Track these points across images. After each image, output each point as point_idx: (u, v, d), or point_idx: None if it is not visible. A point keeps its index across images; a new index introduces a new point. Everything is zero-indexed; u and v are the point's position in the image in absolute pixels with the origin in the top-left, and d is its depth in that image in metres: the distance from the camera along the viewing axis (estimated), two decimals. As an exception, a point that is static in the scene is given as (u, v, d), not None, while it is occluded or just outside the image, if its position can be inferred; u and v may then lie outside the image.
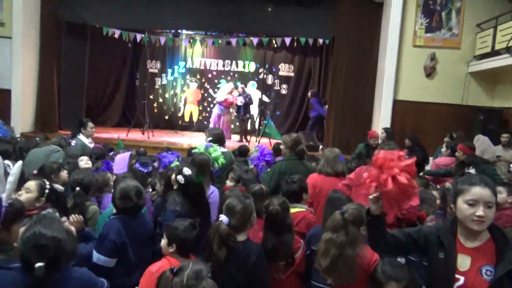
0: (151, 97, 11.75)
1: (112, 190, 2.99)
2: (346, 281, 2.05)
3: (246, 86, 10.90)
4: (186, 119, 11.75)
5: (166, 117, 11.97)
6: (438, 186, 4.28)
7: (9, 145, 4.42)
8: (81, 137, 5.02)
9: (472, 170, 3.97)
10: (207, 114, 11.60)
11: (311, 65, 11.41)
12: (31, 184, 2.59)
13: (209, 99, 11.76)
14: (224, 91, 9.97)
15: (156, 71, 11.96)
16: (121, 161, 3.91)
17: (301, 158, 3.49)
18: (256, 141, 9.00)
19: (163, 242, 2.18)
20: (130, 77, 11.89)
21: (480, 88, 8.00)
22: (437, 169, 5.09)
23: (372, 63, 8.45)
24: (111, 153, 5.22)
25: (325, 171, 3.43)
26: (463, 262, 1.67)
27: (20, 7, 8.39)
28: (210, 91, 11.75)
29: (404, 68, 8.01)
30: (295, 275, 2.51)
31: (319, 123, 10.26)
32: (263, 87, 11.27)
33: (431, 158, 6.55)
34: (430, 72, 7.98)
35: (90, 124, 5.27)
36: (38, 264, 1.54)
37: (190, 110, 11.62)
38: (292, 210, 2.81)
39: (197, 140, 8.30)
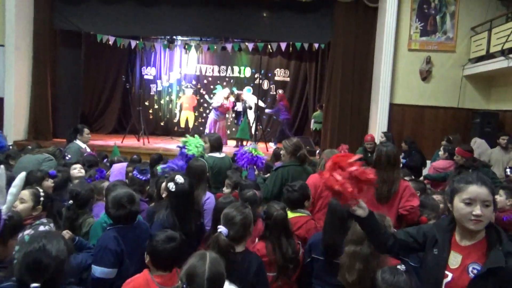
0: (147, 103, 11.69)
1: (104, 199, 2.91)
2: None
3: (242, 91, 10.87)
4: (182, 125, 11.68)
5: (162, 123, 11.91)
6: (438, 190, 4.22)
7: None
8: (78, 142, 4.96)
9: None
10: (203, 120, 11.55)
11: (306, 70, 11.40)
12: (25, 194, 2.51)
13: (205, 105, 11.71)
14: (220, 96, 9.93)
15: (151, 77, 11.91)
16: (118, 173, 3.82)
17: (302, 164, 3.42)
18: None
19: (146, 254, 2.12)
20: (125, 83, 11.82)
21: (476, 91, 8.01)
22: (437, 173, 5.05)
23: (368, 67, 8.45)
24: (105, 160, 5.15)
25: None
26: (455, 259, 1.67)
27: (13, 15, 8.33)
28: (206, 96, 11.71)
29: (400, 72, 8.01)
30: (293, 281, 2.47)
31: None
32: (259, 92, 11.23)
33: (428, 162, 6.52)
34: (426, 75, 7.98)
35: (86, 130, 5.20)
36: (34, 285, 1.47)
37: (185, 116, 11.55)
38: (294, 215, 2.77)
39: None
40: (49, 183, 3.19)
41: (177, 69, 11.87)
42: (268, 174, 4.01)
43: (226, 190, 3.32)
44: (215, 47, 10.16)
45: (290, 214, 2.71)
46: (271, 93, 11.67)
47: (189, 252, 1.79)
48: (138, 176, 3.50)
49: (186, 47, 10.91)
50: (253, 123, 10.02)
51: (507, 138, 5.90)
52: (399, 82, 8.04)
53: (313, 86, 11.28)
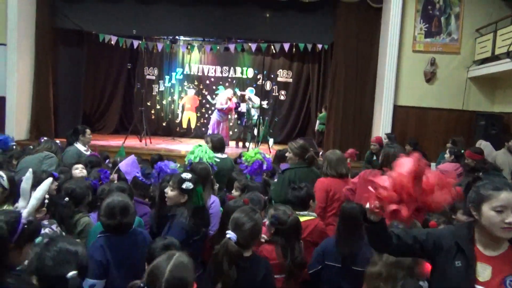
0: (149, 103, 11.65)
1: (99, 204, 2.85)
2: None
3: (245, 91, 10.82)
4: (184, 125, 11.64)
5: (164, 124, 11.85)
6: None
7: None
8: (78, 145, 4.88)
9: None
10: (205, 121, 11.50)
11: (309, 71, 11.35)
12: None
13: (207, 106, 11.67)
14: (223, 97, 9.89)
15: (154, 77, 11.87)
16: (131, 168, 3.73)
17: (310, 165, 3.37)
18: (256, 147, 8.88)
19: None
20: (127, 83, 11.79)
21: (481, 93, 7.95)
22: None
23: (372, 68, 8.39)
24: (107, 161, 5.10)
25: (330, 174, 3.32)
26: (483, 272, 1.56)
27: (15, 14, 8.28)
28: (208, 97, 11.66)
29: (404, 73, 7.96)
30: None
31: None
32: (262, 93, 11.19)
33: (433, 164, 6.46)
34: (430, 77, 7.92)
35: (88, 131, 5.15)
36: (71, 273, 1.49)
37: (188, 116, 11.51)
38: (302, 219, 2.71)
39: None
40: (53, 185, 3.14)
41: (180, 69, 11.82)
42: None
43: (235, 193, 3.26)
44: (218, 47, 10.13)
45: (300, 219, 2.66)
46: (274, 94, 11.62)
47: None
48: (142, 179, 3.42)
49: (189, 47, 10.87)
50: (255, 125, 9.98)
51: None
52: (403, 83, 7.98)
53: (316, 87, 11.23)
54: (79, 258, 1.60)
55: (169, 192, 2.67)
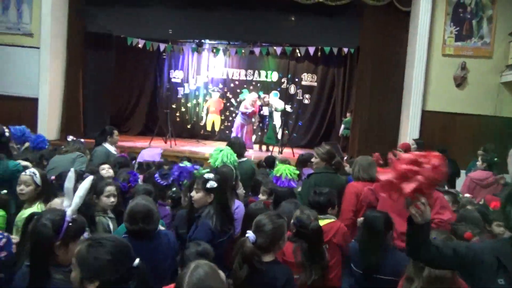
0: (174, 106, 11.81)
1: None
2: None
3: (267, 95, 10.83)
4: (208, 128, 11.73)
5: (188, 126, 11.99)
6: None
7: (29, 154, 4.43)
8: (106, 145, 5.00)
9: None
10: (229, 124, 11.56)
11: (334, 75, 11.24)
12: (56, 203, 2.56)
13: (231, 109, 11.73)
14: (247, 100, 9.92)
15: (179, 80, 12.04)
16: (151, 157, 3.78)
17: (337, 171, 3.33)
18: (279, 151, 8.87)
19: None
20: (153, 86, 12.01)
21: (514, 99, 7.66)
22: (475, 184, 4.80)
23: (399, 72, 8.22)
24: (133, 162, 5.19)
25: (361, 177, 3.30)
26: None
27: (49, 19, 8.58)
28: (232, 100, 11.72)
29: (433, 78, 7.75)
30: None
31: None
32: (286, 97, 11.17)
33: (462, 172, 6.27)
34: (460, 82, 7.70)
35: (115, 132, 5.27)
36: (137, 261, 1.59)
37: (212, 119, 11.60)
38: (325, 222, 2.70)
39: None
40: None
41: (205, 72, 11.94)
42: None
43: (262, 197, 3.25)
44: (243, 51, 10.18)
45: (321, 222, 2.64)
46: (298, 97, 11.57)
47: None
48: (159, 181, 3.46)
49: (214, 50, 10.97)
50: (279, 128, 9.96)
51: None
52: (432, 88, 7.78)
53: (340, 91, 11.11)
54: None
55: (195, 194, 2.70)
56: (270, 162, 5.43)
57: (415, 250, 1.66)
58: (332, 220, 2.77)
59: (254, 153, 8.72)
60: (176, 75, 12.04)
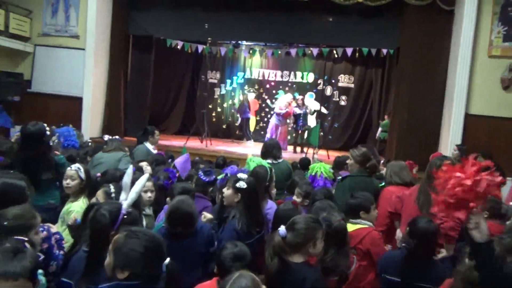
0: (210, 106, 12.00)
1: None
2: None
3: (304, 97, 10.77)
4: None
5: (224, 127, 12.15)
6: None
7: (73, 151, 4.66)
8: (147, 144, 5.18)
9: None
10: (264, 125, 11.59)
11: (372, 77, 11.01)
12: (99, 194, 2.70)
13: (267, 110, 11.76)
14: (282, 101, 9.90)
15: (216, 81, 12.22)
16: (181, 165, 3.93)
17: (371, 174, 3.27)
18: (314, 152, 8.79)
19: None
20: (190, 86, 12.27)
21: None
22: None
23: (441, 74, 7.92)
24: (170, 160, 5.32)
25: (394, 182, 3.23)
26: None
27: (94, 22, 9.01)
28: (268, 101, 11.76)
29: (477, 80, 7.41)
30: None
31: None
32: (322, 98, 11.05)
33: (508, 179, 5.94)
34: (508, 84, 7.31)
35: (157, 132, 5.44)
36: (167, 260, 1.62)
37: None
38: (355, 227, 2.66)
39: (253, 150, 8.29)
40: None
41: (241, 73, 12.05)
42: None
43: (297, 199, 3.25)
44: (279, 52, 10.17)
45: (351, 227, 2.61)
46: (334, 99, 11.43)
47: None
48: (202, 177, 3.56)
49: (251, 51, 11.04)
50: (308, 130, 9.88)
51: None
52: (476, 91, 7.43)
53: (378, 93, 10.86)
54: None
55: (225, 191, 2.79)
56: (305, 164, 5.39)
57: (484, 267, 1.58)
58: (364, 226, 2.70)
59: (288, 155, 8.69)
60: (213, 76, 12.23)
